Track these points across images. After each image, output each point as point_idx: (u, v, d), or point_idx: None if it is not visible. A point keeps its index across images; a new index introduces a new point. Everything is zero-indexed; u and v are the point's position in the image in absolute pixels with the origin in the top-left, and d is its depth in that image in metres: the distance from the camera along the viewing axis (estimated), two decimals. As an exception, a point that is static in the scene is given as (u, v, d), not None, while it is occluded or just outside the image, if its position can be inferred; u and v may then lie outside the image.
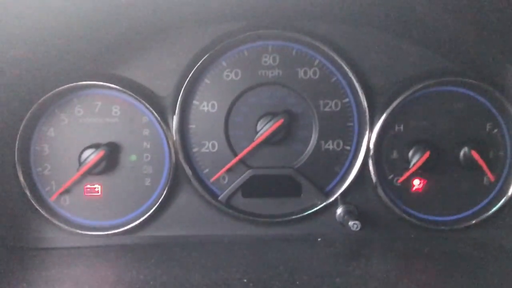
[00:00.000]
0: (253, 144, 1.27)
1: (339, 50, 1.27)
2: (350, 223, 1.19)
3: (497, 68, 1.24)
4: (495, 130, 1.31)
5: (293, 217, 1.32)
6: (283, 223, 1.32)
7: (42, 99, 1.24)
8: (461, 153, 1.29)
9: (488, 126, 1.31)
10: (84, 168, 1.25)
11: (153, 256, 1.23)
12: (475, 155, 1.27)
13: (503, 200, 1.31)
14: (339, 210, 1.29)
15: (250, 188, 1.32)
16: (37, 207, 1.28)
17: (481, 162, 1.27)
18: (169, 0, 1.14)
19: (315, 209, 1.31)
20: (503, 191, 1.32)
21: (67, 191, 1.30)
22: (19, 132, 1.25)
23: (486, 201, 1.33)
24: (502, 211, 1.32)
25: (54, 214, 1.31)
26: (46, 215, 1.29)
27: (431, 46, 1.28)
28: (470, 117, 1.31)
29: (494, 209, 1.31)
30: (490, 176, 1.30)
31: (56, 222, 1.29)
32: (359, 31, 1.28)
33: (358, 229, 1.18)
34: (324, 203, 1.31)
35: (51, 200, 1.30)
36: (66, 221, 1.31)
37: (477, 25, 1.13)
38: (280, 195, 1.33)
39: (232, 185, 1.31)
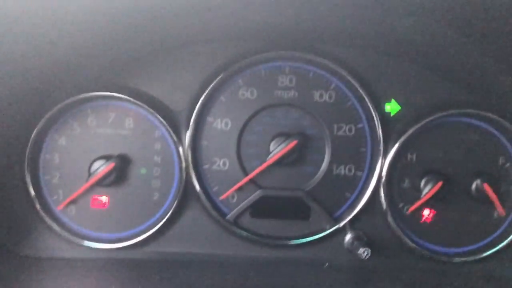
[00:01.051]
0: (265, 164, 1.26)
1: (356, 75, 1.27)
2: (361, 250, 1.18)
3: (513, 102, 1.25)
4: (508, 164, 1.31)
5: (301, 240, 1.30)
6: (290, 246, 1.31)
7: (56, 107, 1.23)
8: (473, 186, 1.28)
9: (501, 160, 1.31)
10: (93, 179, 1.24)
11: (157, 272, 1.22)
12: (487, 188, 1.26)
13: (512, 235, 1.30)
14: (348, 237, 1.28)
15: (259, 209, 1.31)
16: (43, 216, 1.27)
17: (492, 195, 1.26)
18: (189, 16, 1.14)
19: (324, 234, 1.30)
20: (513, 226, 1.32)
21: (74, 201, 1.29)
22: (31, 139, 1.24)
23: (495, 234, 1.32)
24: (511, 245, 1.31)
25: (60, 223, 1.29)
26: (51, 224, 1.28)
27: (449, 76, 1.28)
28: (484, 150, 1.30)
29: (504, 243, 1.30)
30: (501, 210, 1.29)
31: (61, 231, 1.28)
32: (377, 57, 1.28)
33: (367, 257, 1.17)
34: (333, 228, 1.30)
35: (58, 209, 1.29)
36: (71, 231, 1.29)
37: (498, 57, 1.14)
38: (289, 217, 1.32)
39: (241, 205, 1.30)
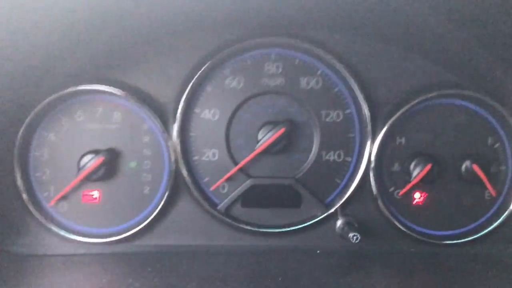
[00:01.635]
0: (254, 153, 1.26)
1: (343, 60, 1.27)
2: (350, 235, 1.18)
3: (500, 81, 1.24)
4: (497, 144, 1.31)
5: (293, 228, 1.31)
6: (282, 234, 1.31)
7: (43, 103, 1.23)
8: (463, 167, 1.28)
9: (490, 140, 1.31)
10: (83, 174, 1.24)
11: (149, 265, 1.22)
12: (476, 169, 1.26)
13: (504, 215, 1.30)
14: (339, 222, 1.28)
15: (250, 198, 1.31)
16: (34, 213, 1.27)
17: (482, 176, 1.26)
18: (172, 6, 1.14)
19: (315, 220, 1.30)
20: (504, 206, 1.31)
21: (65, 197, 1.29)
22: (19, 136, 1.24)
23: (487, 215, 1.33)
24: (504, 225, 1.31)
25: (52, 219, 1.29)
26: (43, 220, 1.27)
27: (434, 58, 1.28)
28: (472, 131, 1.30)
29: (496, 224, 1.31)
30: (492, 190, 1.29)
31: (53, 227, 1.28)
32: (363, 42, 1.28)
33: (357, 241, 1.17)
34: (324, 215, 1.30)
35: (49, 205, 1.29)
36: (63, 227, 1.29)
37: (481, 37, 1.14)
38: (280, 205, 1.32)
39: (232, 195, 1.30)
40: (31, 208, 1.27)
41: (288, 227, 1.31)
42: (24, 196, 1.27)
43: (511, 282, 1.15)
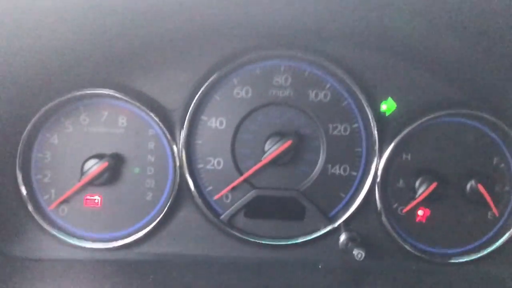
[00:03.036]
0: (259, 164, 1.25)
1: (352, 74, 1.26)
2: (355, 252, 1.17)
3: (509, 104, 1.25)
4: (502, 165, 1.31)
5: (295, 240, 1.30)
6: (285, 246, 1.30)
7: (48, 105, 1.21)
8: (468, 186, 1.28)
9: (495, 160, 1.31)
10: (86, 179, 1.22)
11: (150, 273, 1.21)
12: (481, 188, 1.26)
13: (506, 235, 1.30)
14: (343, 237, 1.27)
15: (253, 209, 1.30)
16: (35, 215, 1.25)
17: (487, 196, 1.26)
18: (183, 14, 1.13)
19: (318, 234, 1.29)
20: (507, 226, 1.31)
21: (66, 201, 1.27)
22: (22, 138, 1.22)
23: (490, 235, 1.32)
24: (506, 246, 1.31)
25: (51, 223, 1.27)
26: (43, 224, 1.26)
27: (444, 76, 1.28)
28: (478, 150, 1.30)
29: (497, 243, 1.30)
30: (495, 210, 1.29)
31: (53, 231, 1.26)
32: (373, 57, 1.28)
33: (362, 258, 1.16)
34: (328, 228, 1.29)
35: (50, 209, 1.27)
36: (63, 231, 1.28)
37: (492, 57, 1.14)
38: (283, 217, 1.31)
39: (236, 205, 1.29)
40: (32, 211, 1.25)
41: (291, 239, 1.30)
42: (25, 198, 1.25)
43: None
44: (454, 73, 1.27)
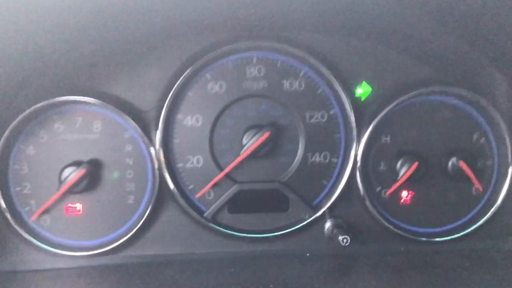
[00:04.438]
0: (239, 159, 1.25)
1: (325, 61, 1.25)
2: (340, 238, 1.17)
3: (484, 76, 1.24)
4: (482, 140, 1.31)
5: (281, 232, 1.29)
6: (271, 238, 1.30)
7: (20, 116, 1.20)
8: (449, 164, 1.28)
9: (475, 136, 1.30)
10: (64, 187, 1.20)
11: (137, 275, 1.20)
12: (463, 165, 1.26)
13: (492, 210, 1.31)
14: (328, 224, 1.27)
15: (236, 204, 1.29)
16: (17, 228, 1.24)
17: (469, 172, 1.26)
18: (150, 13, 1.11)
19: (303, 223, 1.29)
20: (492, 201, 1.32)
21: (47, 211, 1.26)
22: None
23: (475, 211, 1.33)
24: (491, 221, 1.31)
25: (35, 234, 1.26)
26: (26, 235, 1.24)
27: (417, 56, 1.27)
28: (458, 127, 1.30)
29: (483, 219, 1.31)
30: (478, 186, 1.29)
31: (37, 242, 1.25)
32: (344, 42, 1.27)
33: (347, 244, 1.16)
34: (312, 217, 1.29)
35: (31, 220, 1.26)
36: (47, 242, 1.26)
37: (465, 33, 1.13)
38: (268, 210, 1.30)
39: (218, 201, 1.28)
40: (13, 223, 1.24)
41: (277, 231, 1.30)
42: (5, 211, 1.23)
43: (500, 278, 1.16)
44: (426, 52, 1.26)
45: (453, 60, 1.26)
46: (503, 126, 1.27)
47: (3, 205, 1.23)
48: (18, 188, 1.25)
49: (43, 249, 1.25)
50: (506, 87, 1.22)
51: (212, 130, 1.28)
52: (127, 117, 1.23)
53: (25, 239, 1.25)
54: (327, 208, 1.29)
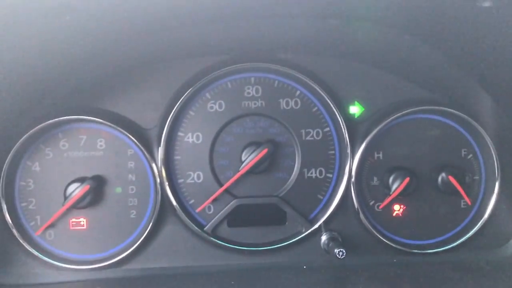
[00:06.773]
0: (238, 174, 1.29)
1: (319, 81, 1.31)
2: (336, 250, 1.21)
3: (471, 96, 1.30)
4: (470, 156, 1.37)
5: (279, 245, 1.34)
6: (269, 251, 1.34)
7: (27, 134, 1.24)
8: (439, 179, 1.33)
9: (463, 152, 1.36)
10: (69, 203, 1.24)
11: (140, 288, 1.23)
12: (452, 180, 1.31)
13: (480, 223, 1.35)
14: (324, 238, 1.32)
15: (235, 218, 1.34)
16: (22, 242, 1.27)
17: (458, 186, 1.31)
18: (153, 37, 1.16)
19: (300, 236, 1.33)
20: (480, 214, 1.37)
21: (52, 225, 1.30)
22: (4, 168, 1.24)
23: (464, 224, 1.38)
24: (480, 233, 1.36)
25: (39, 248, 1.29)
26: (31, 249, 1.27)
27: (408, 76, 1.34)
28: (446, 144, 1.36)
29: (472, 231, 1.35)
30: (467, 199, 1.34)
31: (41, 256, 1.28)
32: (338, 63, 1.33)
33: (343, 256, 1.20)
34: (309, 231, 1.33)
35: (36, 234, 1.29)
36: (51, 255, 1.30)
37: (452, 55, 1.19)
38: (266, 223, 1.35)
39: (218, 215, 1.33)
40: (18, 237, 1.27)
41: (274, 244, 1.34)
42: (11, 226, 1.27)
43: (488, 287, 1.21)
44: (418, 73, 1.33)
45: (441, 81, 1.32)
46: (489, 143, 1.33)
47: (9, 221, 1.26)
48: (24, 204, 1.29)
49: (47, 263, 1.29)
50: (491, 106, 1.28)
51: (212, 147, 1.33)
52: (130, 135, 1.27)
53: (30, 253, 1.28)
54: (323, 221, 1.33)
